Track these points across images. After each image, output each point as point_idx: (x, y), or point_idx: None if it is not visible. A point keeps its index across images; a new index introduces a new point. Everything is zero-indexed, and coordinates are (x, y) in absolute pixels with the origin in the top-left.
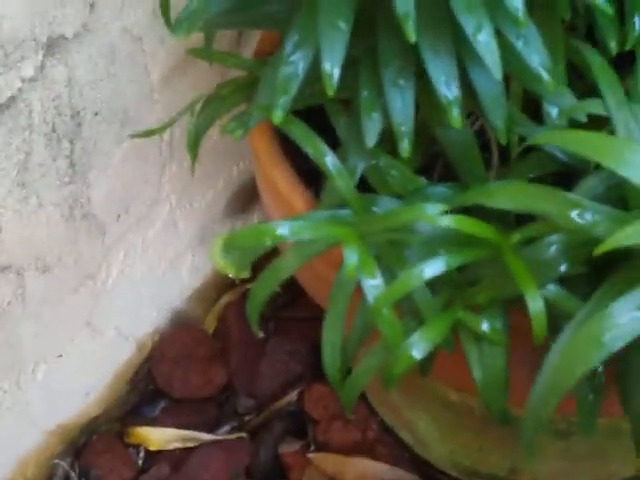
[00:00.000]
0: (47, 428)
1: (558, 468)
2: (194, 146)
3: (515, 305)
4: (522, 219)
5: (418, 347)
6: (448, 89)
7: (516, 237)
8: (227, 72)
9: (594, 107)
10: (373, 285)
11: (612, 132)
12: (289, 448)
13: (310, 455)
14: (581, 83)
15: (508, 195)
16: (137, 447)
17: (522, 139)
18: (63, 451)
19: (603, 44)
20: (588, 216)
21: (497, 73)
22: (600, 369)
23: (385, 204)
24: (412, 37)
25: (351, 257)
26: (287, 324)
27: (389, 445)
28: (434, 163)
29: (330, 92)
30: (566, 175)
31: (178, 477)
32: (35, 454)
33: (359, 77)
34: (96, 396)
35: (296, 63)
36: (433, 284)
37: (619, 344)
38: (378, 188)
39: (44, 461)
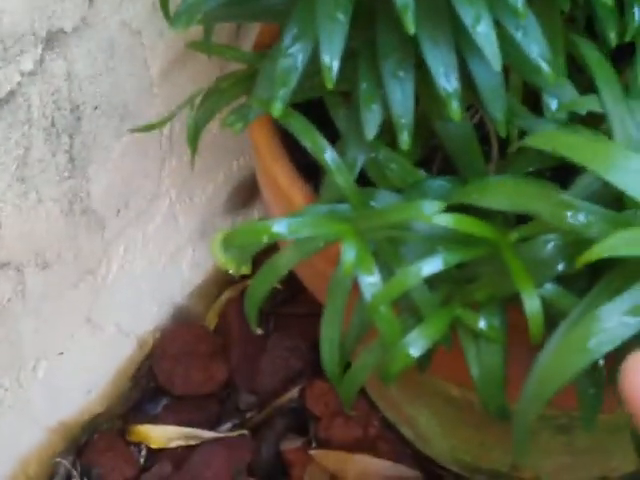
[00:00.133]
0: (49, 426)
1: (560, 463)
2: (194, 140)
3: (513, 302)
4: (523, 215)
5: (416, 345)
6: (447, 81)
7: (514, 236)
8: (227, 65)
9: (592, 103)
10: (370, 282)
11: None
12: (291, 445)
13: (312, 452)
14: (581, 75)
15: (502, 195)
16: (139, 445)
17: (522, 132)
18: (65, 449)
19: (602, 36)
20: (581, 217)
21: (496, 65)
22: (601, 363)
23: (384, 198)
24: (411, 29)
25: (349, 254)
26: (287, 320)
27: (391, 441)
28: (434, 156)
29: (329, 85)
30: (565, 168)
31: (180, 475)
32: (37, 452)
33: (358, 69)
34: (98, 393)
35: (295, 55)
36: (431, 281)
37: (605, 349)
38: (377, 181)
39: (46, 459)
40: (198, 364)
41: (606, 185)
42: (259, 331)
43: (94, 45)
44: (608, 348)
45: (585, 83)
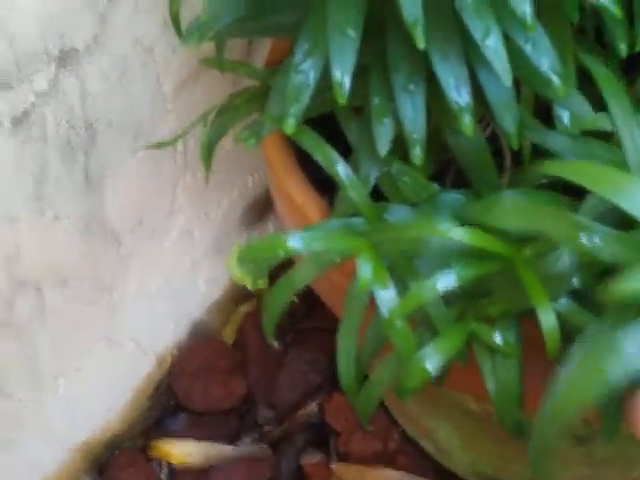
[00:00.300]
0: (70, 445)
1: (579, 474)
2: (207, 157)
3: (528, 316)
4: None
5: (431, 360)
6: (459, 95)
7: (528, 252)
8: (240, 80)
9: (602, 121)
10: (386, 297)
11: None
12: (311, 459)
13: (332, 466)
14: (591, 86)
15: (516, 217)
16: (160, 461)
17: (534, 145)
18: (87, 467)
19: (612, 46)
20: (596, 239)
21: (507, 80)
22: None
23: (398, 212)
24: (421, 43)
25: (364, 269)
26: (305, 334)
27: (411, 455)
28: (447, 168)
29: (341, 100)
30: None
31: None
32: (59, 471)
33: (369, 83)
34: (118, 412)
35: (306, 72)
36: (446, 295)
37: (626, 376)
38: (390, 195)
39: (68, 478)
40: (217, 380)
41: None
42: (276, 345)
43: (107, 62)
44: (629, 375)
45: (597, 92)
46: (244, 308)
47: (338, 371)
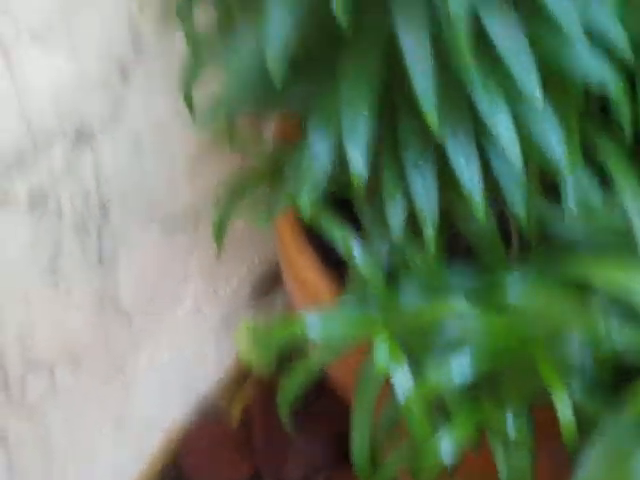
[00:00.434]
0: None
1: None
2: (219, 236)
3: (540, 399)
4: None
5: (445, 449)
6: (470, 178)
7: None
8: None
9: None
10: (402, 379)
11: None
12: None
13: None
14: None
15: (536, 313)
16: None
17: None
18: None
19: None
20: (614, 334)
21: (518, 164)
22: None
23: (410, 293)
24: (436, 129)
25: (381, 353)
26: (311, 412)
27: None
28: (458, 240)
29: (357, 182)
30: None
31: None
32: None
33: (381, 161)
34: None
35: (320, 154)
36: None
37: None
38: (402, 272)
39: None
40: (224, 458)
41: None
42: (291, 427)
43: (121, 141)
44: None
45: (597, 167)
46: (251, 386)
47: (352, 451)
